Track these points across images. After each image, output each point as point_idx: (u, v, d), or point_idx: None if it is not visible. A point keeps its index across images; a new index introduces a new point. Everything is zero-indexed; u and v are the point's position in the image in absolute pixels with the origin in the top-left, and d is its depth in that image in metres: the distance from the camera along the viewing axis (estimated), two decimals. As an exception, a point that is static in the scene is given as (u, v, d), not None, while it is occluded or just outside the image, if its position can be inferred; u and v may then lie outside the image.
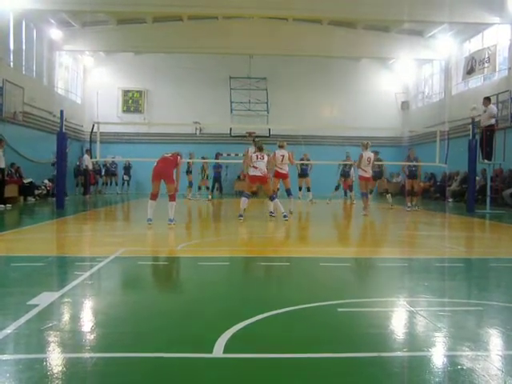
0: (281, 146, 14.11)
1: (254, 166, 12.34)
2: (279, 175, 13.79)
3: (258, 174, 12.35)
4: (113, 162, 26.77)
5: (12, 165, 18.33)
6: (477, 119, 16.55)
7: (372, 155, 14.41)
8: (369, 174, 14.42)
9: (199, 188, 21.98)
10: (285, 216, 12.23)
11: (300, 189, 19.94)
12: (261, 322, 4.01)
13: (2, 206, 15.09)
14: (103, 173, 27.34)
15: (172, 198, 10.87)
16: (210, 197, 21.19)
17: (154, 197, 10.86)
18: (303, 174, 19.70)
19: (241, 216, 12.12)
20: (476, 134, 16.31)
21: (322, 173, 21.20)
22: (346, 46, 25.17)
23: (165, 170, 10.77)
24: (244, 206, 12.33)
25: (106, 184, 27.48)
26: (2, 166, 15.66)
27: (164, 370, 3.13)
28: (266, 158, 12.62)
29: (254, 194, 14.10)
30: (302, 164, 19.44)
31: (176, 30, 24.73)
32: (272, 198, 12.54)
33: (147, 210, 10.82)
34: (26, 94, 20.59)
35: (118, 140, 27.03)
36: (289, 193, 14.14)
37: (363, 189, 14.64)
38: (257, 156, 12.45)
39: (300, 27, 24.78)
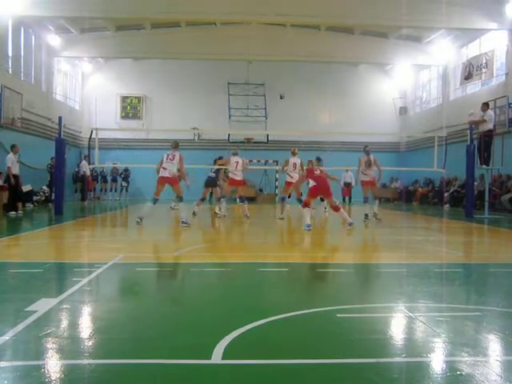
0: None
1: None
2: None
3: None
4: (114, 167, 26.76)
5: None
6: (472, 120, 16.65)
7: (298, 161, 14.45)
8: (294, 179, 14.26)
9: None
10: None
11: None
12: (259, 328, 4.00)
13: (14, 212, 15.01)
14: (108, 178, 27.32)
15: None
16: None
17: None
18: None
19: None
20: (474, 140, 16.38)
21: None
22: (343, 51, 25.27)
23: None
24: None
25: (105, 190, 27.46)
26: (16, 171, 15.52)
27: (163, 376, 3.12)
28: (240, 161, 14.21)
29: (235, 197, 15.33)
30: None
31: (174, 37, 24.80)
32: (300, 202, 13.29)
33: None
34: (24, 100, 20.63)
35: (117, 146, 27.05)
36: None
37: (285, 192, 15.41)
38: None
39: (298, 33, 24.88)
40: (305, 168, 11.82)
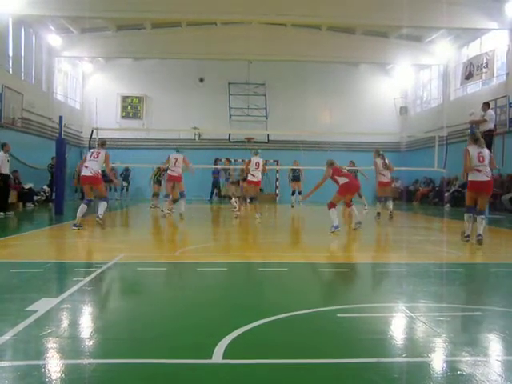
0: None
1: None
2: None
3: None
4: (112, 168, 26.68)
5: (13, 172, 18.18)
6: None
7: (261, 161, 14.66)
8: (256, 178, 14.54)
9: (154, 195, 18.95)
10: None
11: (293, 193, 20.19)
12: (260, 328, 4.00)
13: (2, 213, 14.49)
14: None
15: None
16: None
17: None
18: (295, 179, 20.40)
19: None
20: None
21: (317, 179, 21.19)
22: (344, 51, 25.25)
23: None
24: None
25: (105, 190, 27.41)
26: (6, 171, 14.97)
27: (164, 376, 3.12)
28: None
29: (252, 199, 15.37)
30: (294, 170, 20.26)
31: (175, 36, 24.82)
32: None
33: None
34: (24, 100, 20.63)
35: (117, 146, 26.99)
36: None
37: (247, 193, 15.65)
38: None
39: (299, 33, 24.89)
40: (328, 168, 11.12)
